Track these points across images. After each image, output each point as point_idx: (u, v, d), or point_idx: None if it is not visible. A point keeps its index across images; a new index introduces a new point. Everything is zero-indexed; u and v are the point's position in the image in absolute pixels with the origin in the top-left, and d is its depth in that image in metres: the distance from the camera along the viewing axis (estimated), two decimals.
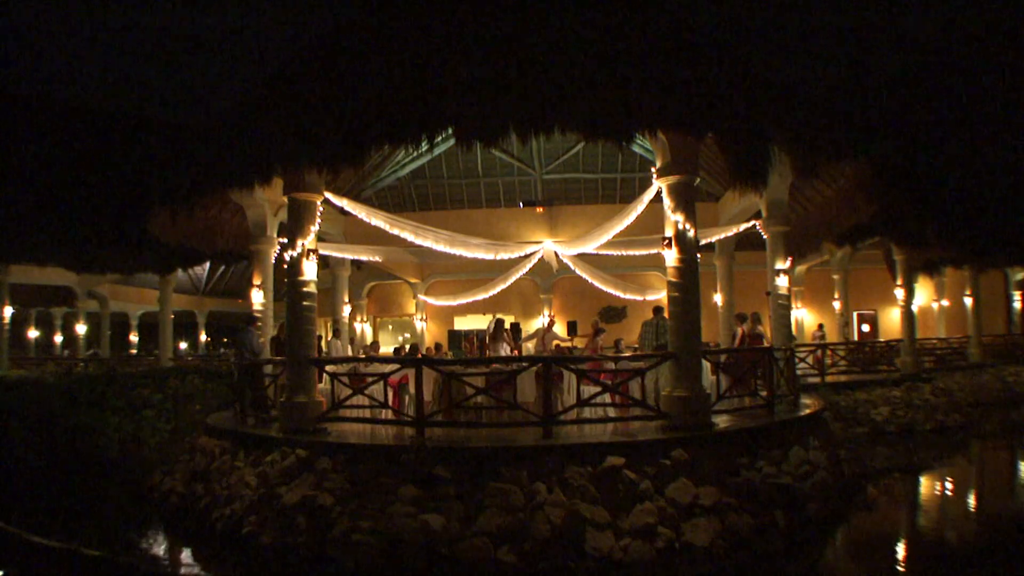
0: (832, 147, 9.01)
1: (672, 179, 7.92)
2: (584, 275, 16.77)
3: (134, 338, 31.34)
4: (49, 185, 16.98)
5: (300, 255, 8.54)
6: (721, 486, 6.43)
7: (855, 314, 23.77)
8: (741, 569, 5.86)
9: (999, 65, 20.75)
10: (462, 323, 23.05)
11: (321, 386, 8.97)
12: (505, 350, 10.85)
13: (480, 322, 22.31)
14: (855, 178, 11.30)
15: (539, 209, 20.57)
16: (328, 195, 9.65)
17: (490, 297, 18.33)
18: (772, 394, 8.60)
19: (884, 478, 9.12)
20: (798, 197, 12.73)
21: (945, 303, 24.48)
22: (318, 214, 8.85)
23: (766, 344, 10.37)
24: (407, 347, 13.05)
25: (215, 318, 37.62)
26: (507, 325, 11.43)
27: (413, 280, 22.15)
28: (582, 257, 15.94)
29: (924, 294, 24.85)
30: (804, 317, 22.84)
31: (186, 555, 7.02)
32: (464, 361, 11.01)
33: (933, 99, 18.87)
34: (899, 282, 17.51)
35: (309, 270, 8.62)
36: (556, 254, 15.53)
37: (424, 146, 7.69)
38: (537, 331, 14.12)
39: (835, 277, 20.92)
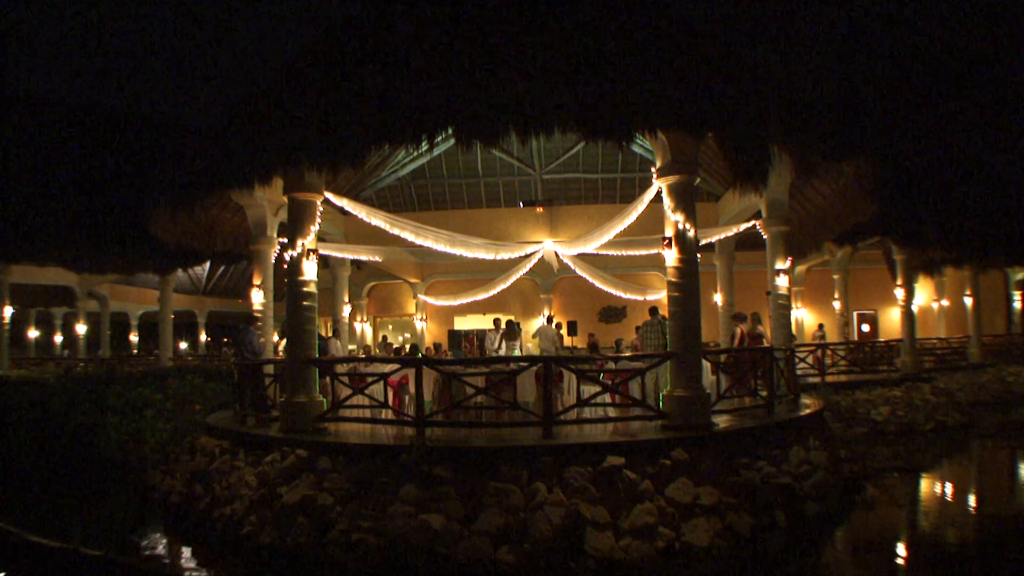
0: (832, 147, 9.02)
1: (672, 179, 7.92)
2: (584, 275, 16.77)
3: (134, 338, 31.33)
4: (49, 185, 16.99)
5: (300, 255, 8.54)
6: (721, 486, 6.43)
7: (855, 314, 23.77)
8: (741, 569, 5.86)
9: (999, 64, 20.75)
10: (462, 323, 23.04)
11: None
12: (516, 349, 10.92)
13: (480, 322, 22.31)
14: (855, 178, 11.28)
15: (539, 209, 20.58)
16: (328, 195, 9.66)
17: (490, 297, 18.33)
18: (772, 394, 8.60)
19: (884, 478, 9.12)
20: (798, 197, 12.71)
21: (945, 303, 24.47)
22: (318, 214, 8.85)
23: (766, 344, 10.37)
24: (407, 347, 13.04)
25: (215, 318, 37.59)
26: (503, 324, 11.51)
27: (413, 280, 22.15)
28: (582, 257, 15.94)
29: (924, 294, 24.85)
30: (804, 317, 22.84)
31: (186, 555, 7.02)
32: (464, 361, 11.02)
33: (933, 99, 18.87)
34: (899, 282, 17.51)
35: (309, 270, 8.62)
36: (556, 254, 15.53)
37: (424, 146, 7.69)
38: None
39: (835, 277, 20.92)
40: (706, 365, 8.96)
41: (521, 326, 20.70)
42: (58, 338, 32.71)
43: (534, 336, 12.80)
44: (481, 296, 18.40)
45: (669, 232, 7.92)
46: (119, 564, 5.64)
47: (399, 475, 6.44)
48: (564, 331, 17.03)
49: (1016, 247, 16.86)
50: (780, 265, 10.98)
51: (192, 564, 6.77)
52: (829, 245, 16.85)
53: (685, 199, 7.89)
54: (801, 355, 14.28)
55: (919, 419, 13.42)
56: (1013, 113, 18.87)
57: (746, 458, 7.00)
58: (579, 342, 21.24)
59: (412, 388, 8.30)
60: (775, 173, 8.91)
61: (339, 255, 15.58)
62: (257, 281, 11.26)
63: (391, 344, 13.45)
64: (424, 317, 22.41)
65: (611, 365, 9.59)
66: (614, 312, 22.50)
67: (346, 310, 17.57)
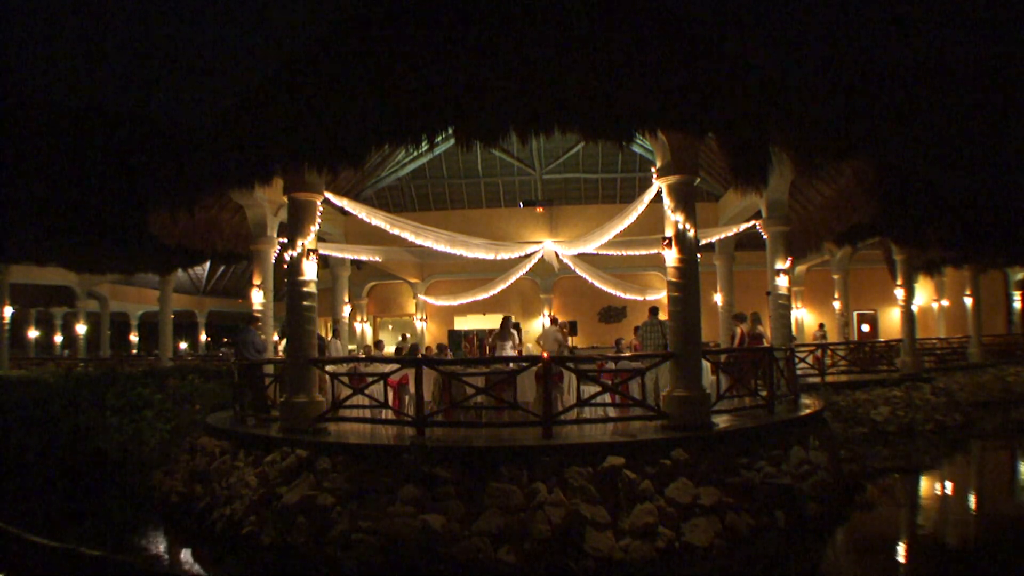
0: (832, 147, 9.02)
1: (672, 179, 7.92)
2: (584, 275, 16.76)
3: (134, 338, 31.34)
4: (49, 185, 16.98)
5: (300, 255, 8.54)
6: (721, 486, 6.43)
7: (855, 314, 23.76)
8: (741, 569, 5.86)
9: (999, 64, 20.76)
10: (462, 323, 23.05)
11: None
12: (509, 349, 10.92)
13: (480, 322, 22.31)
14: (855, 178, 11.29)
15: (539, 209, 20.57)
16: (328, 195, 9.66)
17: (490, 297, 18.32)
18: (772, 394, 8.60)
19: (884, 478, 9.13)
20: (798, 197, 12.72)
21: (945, 303, 24.46)
22: (318, 214, 8.85)
23: (766, 344, 10.37)
24: (407, 347, 13.04)
25: (215, 318, 37.63)
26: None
27: (413, 280, 22.15)
28: (582, 257, 15.92)
29: (924, 294, 24.84)
30: (804, 317, 22.83)
31: (186, 555, 7.02)
32: (464, 361, 11.02)
33: (933, 99, 18.87)
34: (899, 282, 17.50)
35: (309, 270, 8.62)
36: (556, 254, 15.51)
37: (424, 146, 7.69)
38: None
39: (835, 277, 20.91)
40: (706, 365, 8.95)
41: (520, 325, 20.68)
42: (58, 338, 32.74)
43: (539, 341, 12.76)
44: (481, 296, 18.38)
45: (669, 232, 7.92)
46: (119, 564, 5.64)
47: (399, 475, 6.43)
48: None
49: (1016, 247, 16.87)
50: (780, 265, 10.98)
51: (192, 564, 6.78)
52: (829, 245, 16.83)
53: (685, 199, 7.88)
54: (801, 355, 14.27)
55: (919, 419, 13.42)
56: (1014, 112, 18.87)
57: (746, 458, 6.99)
58: (578, 342, 21.24)
59: (412, 388, 8.30)
60: (775, 173, 8.90)
61: (339, 255, 15.57)
62: (257, 281, 11.26)
63: (382, 343, 13.34)
64: (424, 317, 22.41)
65: (611, 365, 9.59)
66: (614, 312, 22.51)
67: (346, 310, 17.57)
